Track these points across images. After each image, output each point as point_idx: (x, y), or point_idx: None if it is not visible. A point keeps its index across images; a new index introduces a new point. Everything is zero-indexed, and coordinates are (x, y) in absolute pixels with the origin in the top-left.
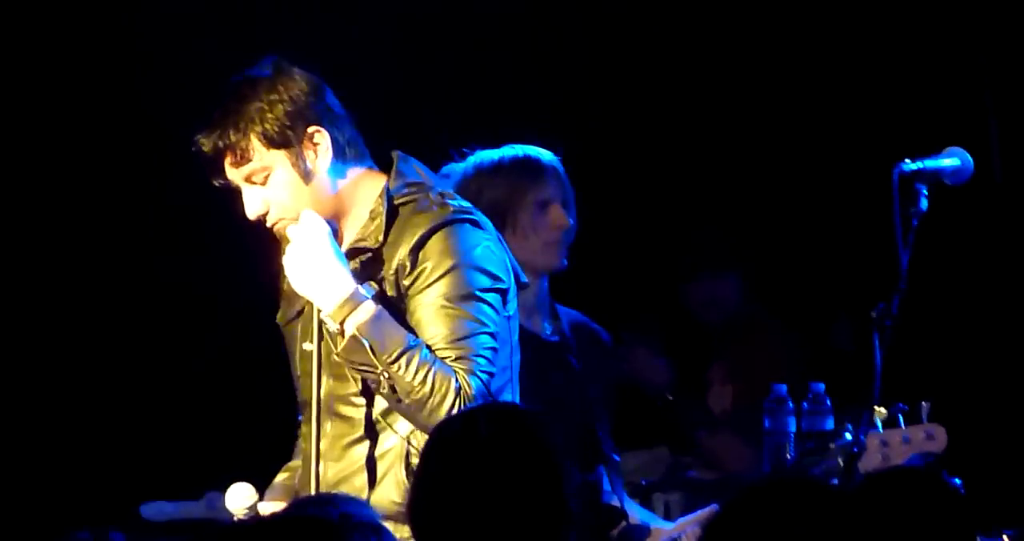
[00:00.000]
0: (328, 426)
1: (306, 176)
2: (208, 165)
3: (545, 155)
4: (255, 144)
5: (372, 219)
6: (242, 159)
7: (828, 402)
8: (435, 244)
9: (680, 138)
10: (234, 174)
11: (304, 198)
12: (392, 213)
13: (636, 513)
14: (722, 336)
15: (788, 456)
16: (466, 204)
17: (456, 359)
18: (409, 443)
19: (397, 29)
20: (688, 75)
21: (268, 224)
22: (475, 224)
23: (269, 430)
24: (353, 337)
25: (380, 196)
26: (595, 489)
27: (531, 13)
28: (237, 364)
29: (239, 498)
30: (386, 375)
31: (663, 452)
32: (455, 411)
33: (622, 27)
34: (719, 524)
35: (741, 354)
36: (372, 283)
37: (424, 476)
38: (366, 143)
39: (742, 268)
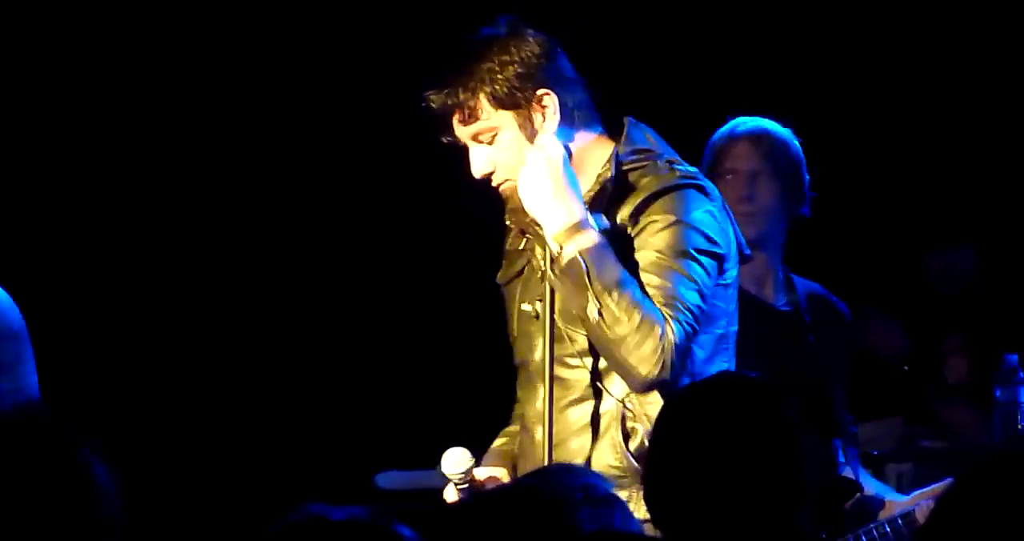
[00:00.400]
0: (542, 389)
1: (532, 138)
2: (437, 121)
3: (764, 125)
4: (483, 104)
5: (598, 183)
6: (470, 118)
7: None
8: (659, 204)
9: (923, 111)
10: (462, 132)
11: None
12: (620, 177)
13: (870, 485)
14: (959, 307)
15: (1019, 426)
16: (693, 170)
17: (664, 303)
18: (625, 406)
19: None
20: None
21: (493, 183)
22: (700, 189)
23: (502, 394)
24: (573, 259)
25: (608, 161)
26: (830, 461)
27: None
28: (467, 330)
29: (454, 462)
30: (597, 302)
31: (897, 422)
32: (655, 352)
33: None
34: (953, 498)
35: (977, 324)
36: (604, 217)
37: (658, 445)
38: (600, 107)
39: (979, 240)
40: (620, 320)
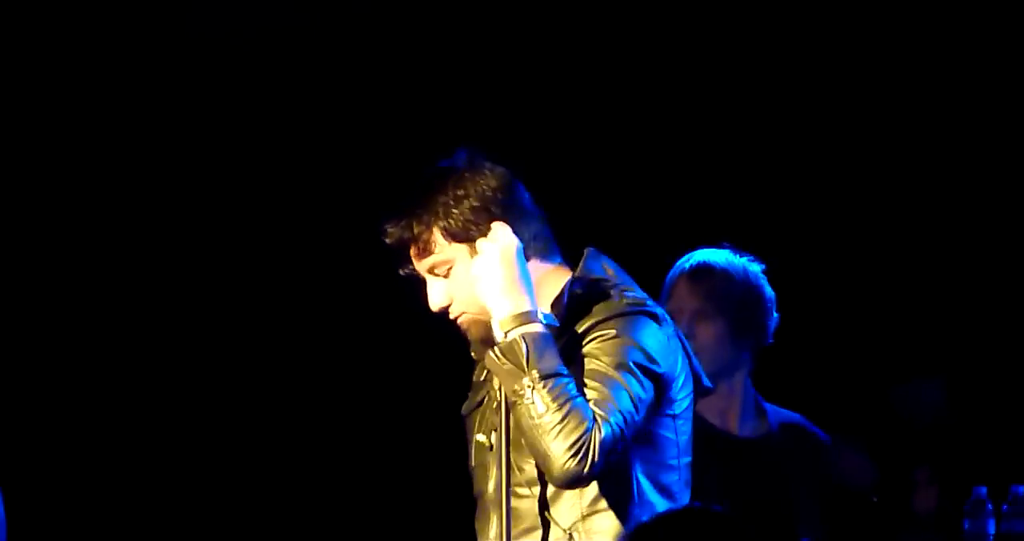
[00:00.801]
0: (494, 519)
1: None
2: (393, 253)
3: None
4: (437, 237)
5: (552, 308)
6: (425, 251)
7: None
8: (605, 324)
9: (893, 242)
10: (418, 265)
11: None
12: (572, 306)
13: None
14: (927, 439)
15: None
16: (642, 296)
17: (595, 403)
18: (571, 537)
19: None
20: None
21: (451, 316)
22: (650, 315)
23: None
24: (515, 341)
25: (562, 291)
26: None
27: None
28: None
29: None
30: (531, 386)
31: None
32: (577, 445)
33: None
34: None
35: (947, 456)
36: (553, 315)
37: None
38: (560, 238)
39: (947, 372)
40: (549, 408)
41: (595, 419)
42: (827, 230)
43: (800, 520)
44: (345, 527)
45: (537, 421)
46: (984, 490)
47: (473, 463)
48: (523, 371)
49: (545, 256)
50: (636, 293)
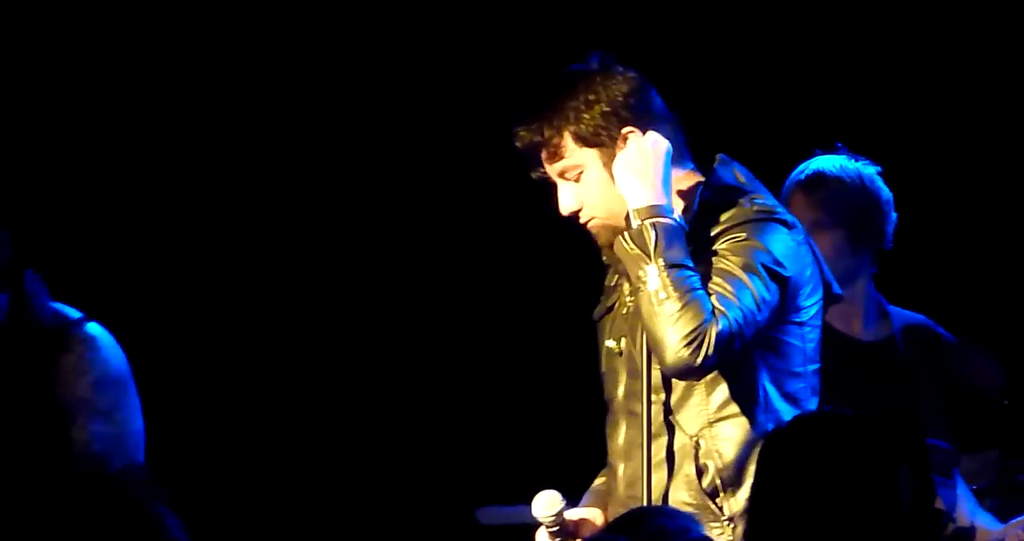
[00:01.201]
0: (623, 425)
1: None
2: (525, 157)
3: (829, 166)
4: (568, 142)
5: (684, 214)
6: (555, 156)
7: None
8: (736, 229)
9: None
10: (549, 169)
11: (616, 198)
12: (702, 213)
13: (965, 512)
14: None
15: None
16: (772, 203)
17: (717, 298)
18: (697, 443)
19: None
20: None
21: (581, 221)
22: (781, 222)
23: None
24: (644, 227)
25: (693, 196)
26: (924, 494)
27: None
28: (569, 363)
29: (544, 506)
30: (656, 272)
31: (994, 456)
32: (692, 335)
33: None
34: None
35: None
36: (683, 220)
37: (761, 480)
38: (692, 144)
39: None
40: (671, 296)
41: (714, 312)
42: (957, 128)
43: (926, 424)
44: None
45: (657, 308)
46: None
47: (603, 369)
48: (649, 258)
49: (677, 162)
50: (767, 200)
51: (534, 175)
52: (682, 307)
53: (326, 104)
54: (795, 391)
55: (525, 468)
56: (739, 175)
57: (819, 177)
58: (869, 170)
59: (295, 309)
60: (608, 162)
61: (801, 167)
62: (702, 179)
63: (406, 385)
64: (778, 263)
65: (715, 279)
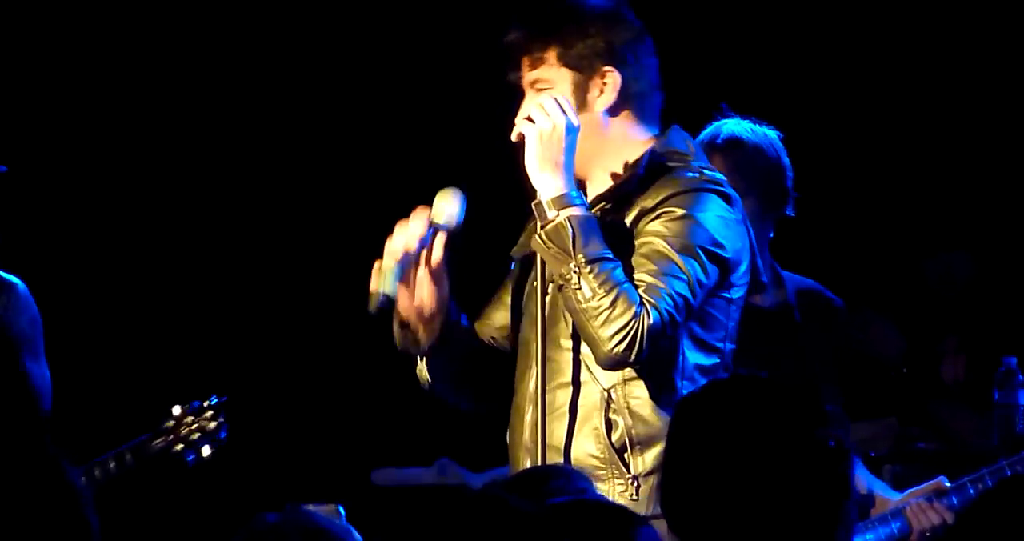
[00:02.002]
0: (535, 369)
1: (582, 105)
2: (507, 58)
3: (743, 131)
4: (551, 57)
5: (626, 170)
6: (533, 66)
7: None
8: (677, 199)
9: (923, 115)
10: (524, 75)
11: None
12: (648, 173)
13: (863, 481)
14: (956, 309)
15: (1017, 429)
16: (721, 177)
17: (646, 289)
18: (609, 397)
19: None
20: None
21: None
22: (724, 197)
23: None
24: (561, 224)
25: (640, 157)
26: None
27: None
28: None
29: (447, 210)
30: (576, 271)
31: (892, 423)
32: (624, 330)
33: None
34: (972, 517)
35: (974, 326)
36: (624, 178)
37: (674, 445)
38: (666, 115)
39: (977, 243)
40: (596, 293)
41: (643, 304)
42: (856, 99)
43: (822, 387)
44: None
45: (584, 306)
46: (1014, 360)
47: (520, 309)
48: (569, 255)
49: (641, 122)
50: (713, 172)
51: (508, 78)
52: (610, 304)
53: (322, 105)
54: (711, 364)
55: (420, 432)
56: (690, 145)
57: (735, 141)
58: (774, 134)
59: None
60: (578, 88)
61: (711, 130)
62: (654, 141)
63: (305, 349)
64: (717, 244)
65: (648, 264)
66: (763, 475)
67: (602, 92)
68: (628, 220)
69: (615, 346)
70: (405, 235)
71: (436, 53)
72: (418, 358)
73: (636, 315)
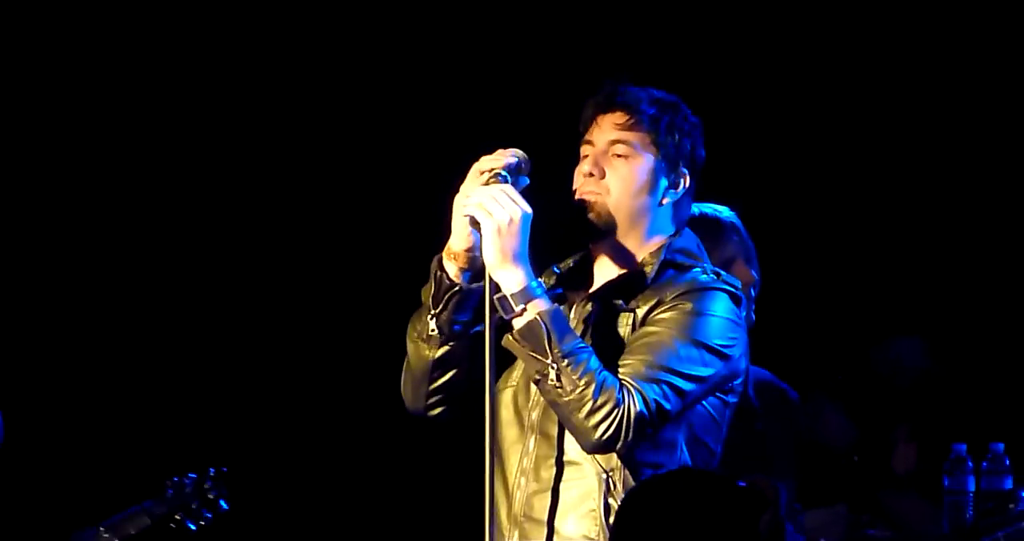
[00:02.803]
0: (532, 442)
1: (649, 188)
2: (593, 109)
3: (723, 212)
4: (649, 132)
5: (644, 261)
6: (631, 127)
7: (1007, 462)
8: (692, 294)
9: (864, 197)
10: (608, 131)
11: (630, 198)
12: (663, 265)
13: None
14: (907, 397)
15: (967, 515)
16: (735, 281)
17: (638, 376)
18: (609, 480)
19: None
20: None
21: (584, 188)
22: (736, 301)
23: (464, 492)
24: (534, 322)
25: (661, 246)
26: None
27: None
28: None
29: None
30: (555, 367)
31: (842, 510)
32: (606, 420)
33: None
34: None
35: (925, 414)
36: (623, 301)
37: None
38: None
39: (927, 331)
40: (577, 385)
41: (627, 391)
42: (806, 190)
43: (779, 480)
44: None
45: (566, 399)
46: (964, 447)
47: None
48: (546, 353)
49: (671, 223)
50: (727, 276)
51: (581, 130)
52: (592, 395)
53: (317, 105)
54: (703, 464)
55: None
56: (700, 248)
57: (731, 224)
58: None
59: None
60: (651, 174)
61: (697, 209)
62: (671, 240)
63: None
64: (724, 344)
65: (646, 354)
66: None
67: (673, 187)
68: (635, 308)
69: (600, 435)
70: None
71: (438, 57)
72: (437, 308)
73: (619, 402)
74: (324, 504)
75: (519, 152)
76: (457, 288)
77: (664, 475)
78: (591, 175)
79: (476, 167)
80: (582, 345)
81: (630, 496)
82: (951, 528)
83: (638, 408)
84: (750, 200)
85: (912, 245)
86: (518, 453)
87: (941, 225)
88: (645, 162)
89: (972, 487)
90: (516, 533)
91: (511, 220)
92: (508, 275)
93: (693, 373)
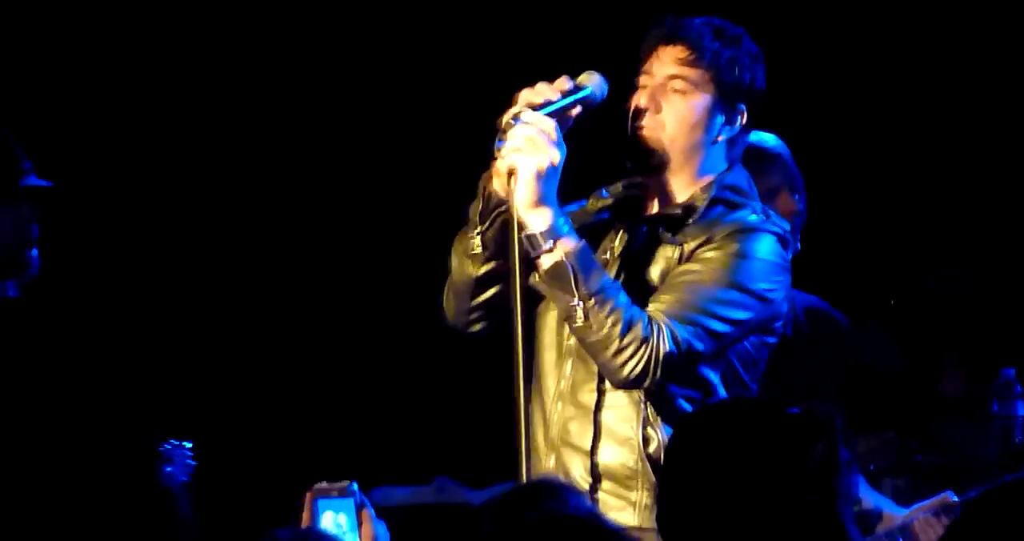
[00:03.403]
0: (568, 367)
1: (704, 125)
2: (663, 38)
3: (769, 140)
4: (709, 68)
5: (695, 195)
6: (691, 63)
7: None
8: (740, 234)
9: (917, 126)
10: (666, 66)
11: (684, 135)
12: (713, 201)
13: (869, 498)
14: (955, 323)
15: (1016, 440)
16: (783, 222)
17: (671, 314)
18: (647, 409)
19: None
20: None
21: (634, 121)
22: (784, 243)
23: (500, 416)
24: (559, 262)
25: (708, 186)
26: None
27: None
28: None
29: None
30: (582, 305)
31: (891, 436)
32: (634, 357)
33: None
34: (962, 526)
35: (974, 340)
36: (673, 234)
37: (670, 468)
38: None
39: (976, 257)
40: (604, 323)
41: (656, 329)
42: (857, 115)
43: (828, 404)
44: None
45: (593, 338)
46: (1012, 372)
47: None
48: (573, 293)
49: (725, 158)
50: (777, 217)
51: (640, 75)
52: (620, 334)
53: (313, 105)
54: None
55: (416, 450)
56: (752, 185)
57: (777, 153)
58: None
59: None
60: (708, 108)
61: (755, 138)
62: (722, 175)
63: (301, 364)
64: (767, 287)
65: (684, 293)
66: (755, 497)
67: (727, 122)
68: (683, 243)
69: (628, 373)
70: (546, 86)
71: (438, 55)
72: (484, 225)
73: (645, 340)
74: (364, 426)
75: (594, 74)
76: (505, 206)
77: (714, 405)
78: (647, 109)
79: (536, 88)
80: (610, 283)
81: (680, 427)
82: (1000, 453)
83: (667, 348)
84: (798, 126)
85: (964, 170)
86: (556, 377)
87: (995, 150)
88: (703, 99)
89: (1021, 411)
90: (553, 457)
91: (551, 161)
92: (535, 216)
93: (730, 316)
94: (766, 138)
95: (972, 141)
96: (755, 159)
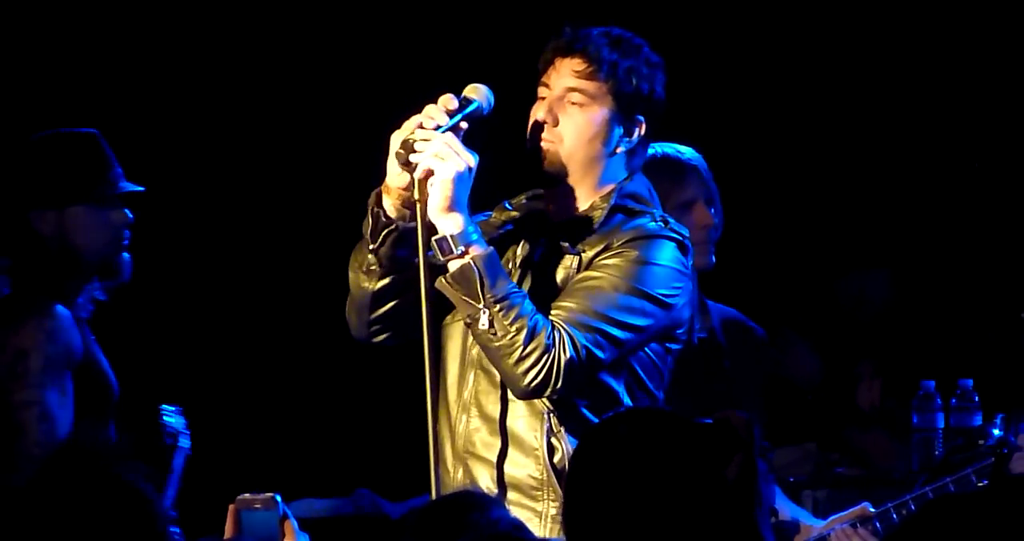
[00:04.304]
0: (472, 377)
1: (602, 137)
2: (559, 50)
3: (685, 153)
4: (606, 81)
5: (594, 205)
6: (587, 76)
7: (976, 398)
8: (638, 242)
9: (829, 130)
10: (564, 78)
11: (582, 147)
12: (612, 210)
13: (786, 509)
14: (872, 332)
15: (936, 453)
16: (682, 229)
17: (572, 323)
18: (550, 420)
19: None
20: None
21: (533, 134)
22: (683, 249)
23: (416, 428)
24: (467, 266)
25: (608, 195)
26: None
27: None
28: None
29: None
30: (488, 311)
31: (811, 448)
32: (536, 366)
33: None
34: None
35: (890, 349)
36: (571, 244)
37: (574, 479)
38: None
39: (893, 264)
40: (508, 331)
41: (558, 339)
42: (769, 124)
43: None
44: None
45: (496, 344)
46: (932, 384)
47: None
48: (478, 297)
49: (625, 168)
50: (675, 224)
51: (541, 78)
52: (522, 342)
53: (311, 105)
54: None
55: (336, 462)
56: (651, 193)
57: (693, 165)
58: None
59: None
60: (606, 121)
61: (666, 149)
62: (622, 184)
63: (225, 374)
64: (667, 293)
65: (585, 301)
66: (667, 508)
67: (628, 135)
68: (582, 252)
69: (530, 381)
70: (434, 108)
71: (431, 56)
72: (376, 242)
73: (548, 348)
74: (285, 438)
75: (480, 87)
76: (394, 226)
77: (620, 414)
78: (544, 122)
79: (426, 111)
80: (515, 290)
81: (586, 437)
82: (920, 465)
83: (568, 355)
84: (712, 137)
85: (877, 177)
86: (460, 388)
87: (906, 156)
88: (600, 112)
89: (941, 424)
90: (461, 469)
91: (468, 168)
92: (448, 220)
93: (630, 322)
94: (682, 150)
95: (888, 147)
96: (671, 171)
